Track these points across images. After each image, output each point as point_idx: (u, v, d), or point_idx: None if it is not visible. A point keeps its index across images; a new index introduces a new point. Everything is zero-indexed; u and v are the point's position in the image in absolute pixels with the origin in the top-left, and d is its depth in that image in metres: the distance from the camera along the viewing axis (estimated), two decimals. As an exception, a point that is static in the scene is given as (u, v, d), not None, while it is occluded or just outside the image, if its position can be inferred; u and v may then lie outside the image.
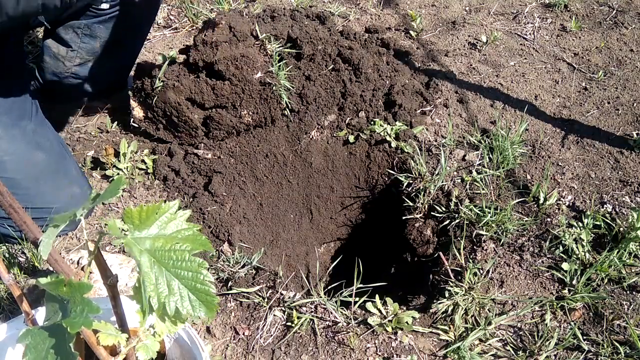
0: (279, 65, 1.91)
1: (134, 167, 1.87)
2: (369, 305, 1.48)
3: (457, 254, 1.61)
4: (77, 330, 0.65)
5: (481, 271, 1.57)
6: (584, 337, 1.41)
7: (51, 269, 1.55)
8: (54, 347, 0.68)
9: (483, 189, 1.79)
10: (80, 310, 0.66)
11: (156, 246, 0.71)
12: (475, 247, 1.66)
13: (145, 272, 0.69)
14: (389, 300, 1.49)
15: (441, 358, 1.39)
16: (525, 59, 2.34)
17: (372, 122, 2.04)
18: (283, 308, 1.50)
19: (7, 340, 1.08)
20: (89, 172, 1.88)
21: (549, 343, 1.38)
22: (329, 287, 1.62)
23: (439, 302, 1.49)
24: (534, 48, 2.40)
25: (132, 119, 1.97)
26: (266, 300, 1.51)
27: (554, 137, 1.99)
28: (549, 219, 1.70)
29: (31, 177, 1.58)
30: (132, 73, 2.09)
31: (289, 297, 1.52)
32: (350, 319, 1.45)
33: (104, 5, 1.71)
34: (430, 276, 1.66)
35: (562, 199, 1.77)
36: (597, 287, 1.51)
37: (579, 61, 2.32)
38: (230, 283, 1.55)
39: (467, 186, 1.83)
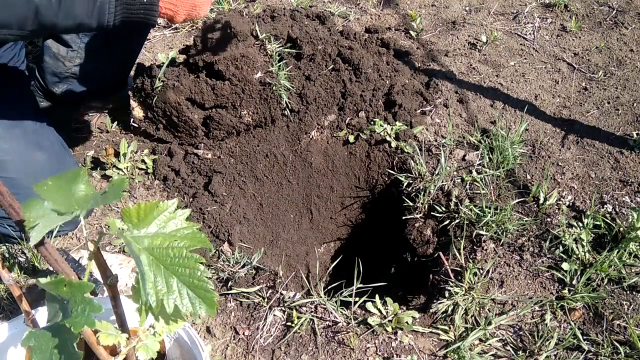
0: (279, 65, 1.90)
1: (134, 167, 1.87)
2: (369, 305, 1.48)
3: (457, 254, 1.61)
4: (80, 329, 0.64)
5: (481, 271, 1.57)
6: (584, 337, 1.41)
7: (51, 268, 1.55)
8: (58, 347, 0.68)
9: (483, 189, 1.79)
10: (82, 309, 0.66)
11: (154, 244, 0.70)
12: (475, 247, 1.66)
13: (144, 270, 0.69)
14: (389, 300, 1.49)
15: (441, 358, 1.39)
16: (525, 59, 2.34)
17: (372, 122, 2.04)
18: (283, 308, 1.50)
19: (8, 341, 1.08)
20: (89, 172, 1.88)
21: (549, 343, 1.38)
22: (329, 287, 1.62)
23: (439, 302, 1.49)
24: (534, 48, 2.39)
25: (132, 119, 1.97)
26: (266, 300, 1.51)
27: (554, 137, 1.99)
28: (549, 219, 1.70)
29: (31, 177, 1.58)
30: (132, 73, 2.09)
31: (289, 297, 1.52)
32: (350, 319, 1.45)
33: None
34: (430, 276, 1.65)
35: (562, 199, 1.77)
36: (597, 287, 1.51)
37: (579, 61, 2.31)
38: (230, 283, 1.55)
39: (467, 186, 1.83)
